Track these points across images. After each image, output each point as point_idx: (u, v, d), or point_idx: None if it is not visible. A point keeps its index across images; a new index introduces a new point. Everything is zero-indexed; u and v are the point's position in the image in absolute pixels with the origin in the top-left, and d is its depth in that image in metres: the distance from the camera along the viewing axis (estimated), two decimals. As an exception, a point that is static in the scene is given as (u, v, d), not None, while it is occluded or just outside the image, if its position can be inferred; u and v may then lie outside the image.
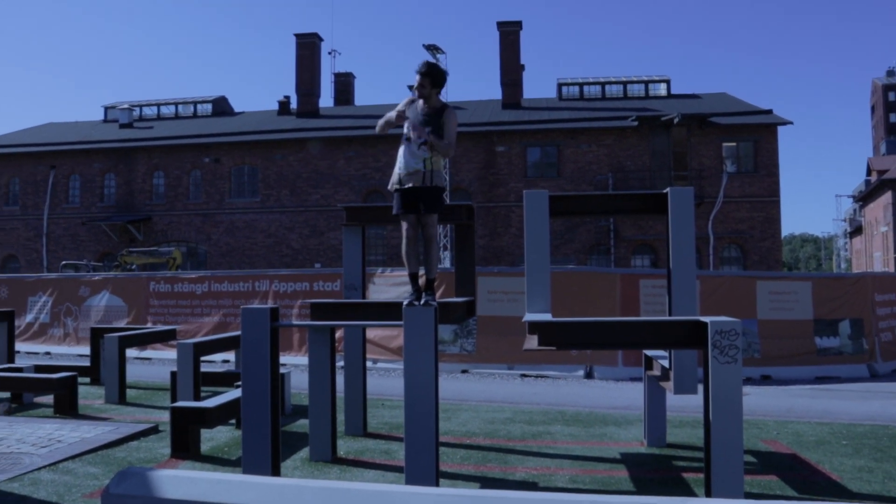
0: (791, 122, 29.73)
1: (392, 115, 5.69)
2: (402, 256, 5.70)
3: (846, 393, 11.27)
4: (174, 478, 2.67)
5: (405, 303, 5.14)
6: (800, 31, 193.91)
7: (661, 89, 36.39)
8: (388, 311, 6.20)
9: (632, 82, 36.44)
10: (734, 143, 30.05)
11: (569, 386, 12.01)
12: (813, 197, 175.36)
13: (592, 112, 32.83)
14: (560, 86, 36.93)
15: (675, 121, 29.23)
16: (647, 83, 36.50)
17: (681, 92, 37.16)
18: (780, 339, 13.21)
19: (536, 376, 12.94)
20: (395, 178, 5.55)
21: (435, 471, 4.84)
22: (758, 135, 29.83)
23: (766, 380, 12.74)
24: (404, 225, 5.54)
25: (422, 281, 5.56)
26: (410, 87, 5.67)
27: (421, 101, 5.53)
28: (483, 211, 30.51)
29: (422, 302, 5.20)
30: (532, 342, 5.02)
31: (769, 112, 30.95)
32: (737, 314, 12.97)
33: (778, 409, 9.64)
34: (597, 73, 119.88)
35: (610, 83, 36.40)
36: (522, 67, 36.64)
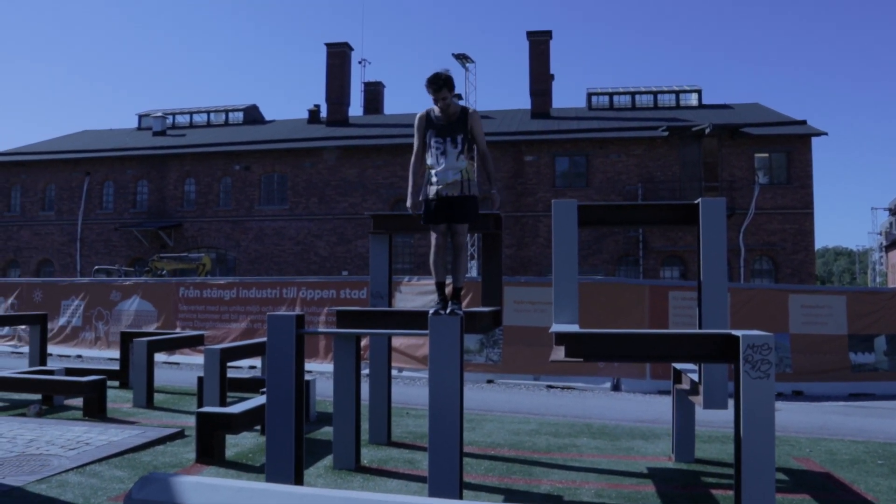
0: (825, 133, 29.26)
1: (418, 149, 5.55)
2: (429, 265, 5.67)
3: (882, 410, 11.00)
4: (196, 484, 2.66)
5: (431, 312, 5.11)
6: (835, 40, 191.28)
7: (693, 99, 36.05)
8: (413, 320, 6.17)
9: (662, 92, 36.15)
10: (766, 154, 29.62)
11: (595, 398, 11.88)
12: (847, 209, 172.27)
13: (622, 122, 32.62)
14: (589, 95, 36.77)
15: (707, 131, 28.91)
16: (678, 93, 36.18)
17: (712, 102, 36.79)
18: (812, 353, 12.96)
19: (563, 388, 12.83)
20: (431, 187, 5.43)
21: (458, 482, 4.78)
22: (791, 146, 29.38)
23: (797, 395, 12.50)
24: (434, 234, 5.50)
25: (449, 290, 5.52)
26: (433, 108, 5.54)
27: (437, 109, 5.46)
28: (511, 221, 30.41)
29: (448, 311, 5.16)
30: (559, 353, 4.96)
31: (803, 123, 30.48)
32: (768, 328, 12.81)
33: (810, 425, 9.43)
34: (627, 82, 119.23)
35: (640, 93, 36.15)
36: (552, 77, 36.54)
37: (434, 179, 5.42)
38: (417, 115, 5.57)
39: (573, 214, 5.97)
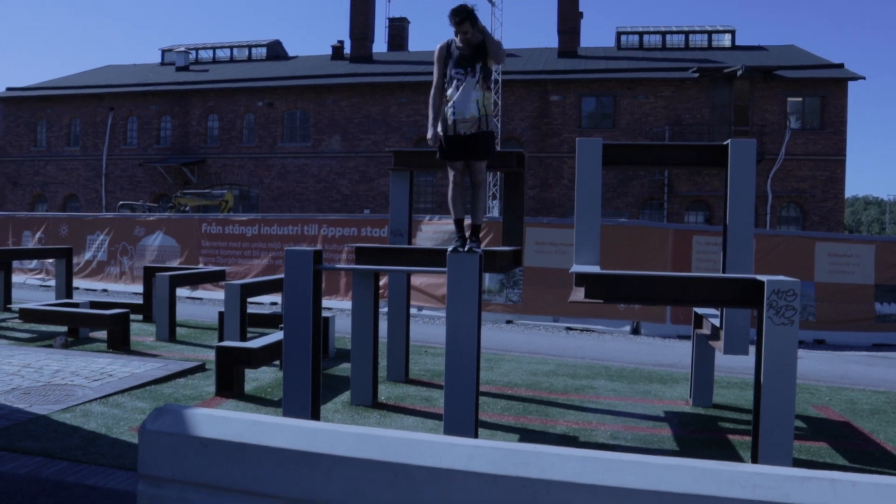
0: (863, 78, 28.26)
1: (438, 79, 5.38)
2: (447, 202, 5.58)
3: (905, 361, 10.88)
4: (209, 417, 2.65)
5: (449, 249, 5.04)
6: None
7: (726, 40, 34.94)
8: (432, 258, 6.12)
9: (694, 32, 35.04)
10: (800, 99, 28.76)
11: (614, 341, 11.87)
12: (880, 158, 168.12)
13: (651, 63, 31.74)
14: (619, 35, 35.77)
15: (738, 73, 28.08)
16: (710, 33, 35.06)
17: (746, 43, 35.63)
18: (837, 303, 12.80)
19: (582, 330, 12.82)
20: (448, 122, 5.30)
21: (474, 420, 4.79)
22: (826, 90, 28.48)
23: (819, 344, 12.39)
24: (451, 171, 5.40)
25: (468, 227, 5.45)
26: (454, 39, 5.34)
27: (457, 40, 5.31)
28: (535, 161, 30.04)
29: (466, 248, 5.10)
30: (578, 294, 4.89)
31: (840, 66, 29.47)
32: (793, 275, 12.57)
33: (832, 374, 9.36)
34: (658, 22, 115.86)
35: (671, 32, 35.07)
36: (580, 15, 35.52)
37: (452, 111, 5.27)
38: (438, 46, 5.41)
39: (598, 153, 5.82)
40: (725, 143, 5.79)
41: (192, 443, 2.55)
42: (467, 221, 5.53)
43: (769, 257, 12.85)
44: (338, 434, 2.54)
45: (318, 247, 15.19)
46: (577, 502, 2.32)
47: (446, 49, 5.35)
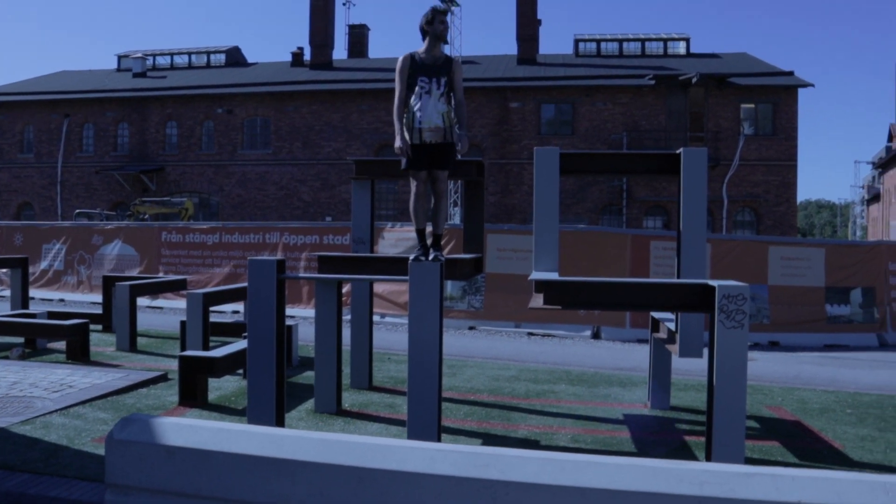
0: (812, 85, 29.17)
1: (402, 92, 5.48)
2: (409, 212, 5.67)
3: (854, 362, 11.24)
4: (176, 425, 2.70)
5: (412, 258, 5.13)
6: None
7: (681, 48, 35.70)
8: (395, 266, 6.19)
9: (650, 40, 35.74)
10: (753, 105, 29.55)
11: (575, 346, 12.05)
12: (831, 163, 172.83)
13: (609, 69, 32.29)
14: (577, 42, 36.30)
15: (693, 80, 28.72)
16: (665, 41, 35.79)
17: (701, 51, 36.45)
18: (790, 305, 13.16)
19: (543, 335, 12.99)
20: (413, 130, 5.35)
21: (437, 426, 4.88)
22: (777, 97, 29.31)
23: (774, 346, 12.73)
24: (414, 181, 5.49)
25: (430, 237, 5.54)
26: (425, 31, 5.49)
27: (424, 51, 5.44)
28: (495, 168, 30.31)
29: (430, 258, 5.19)
30: (538, 301, 5.01)
31: (790, 74, 30.35)
32: (748, 279, 12.96)
33: (785, 375, 9.64)
34: (615, 29, 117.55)
35: (628, 40, 35.72)
36: (539, 22, 35.98)
37: (418, 119, 5.35)
38: (401, 58, 5.49)
39: (555, 162, 5.96)
40: (678, 151, 5.98)
41: (159, 451, 2.60)
42: (429, 230, 5.63)
43: (725, 261, 13.17)
44: (303, 440, 2.60)
45: (280, 255, 15.15)
46: (535, 502, 2.42)
47: (409, 61, 5.44)
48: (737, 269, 13.09)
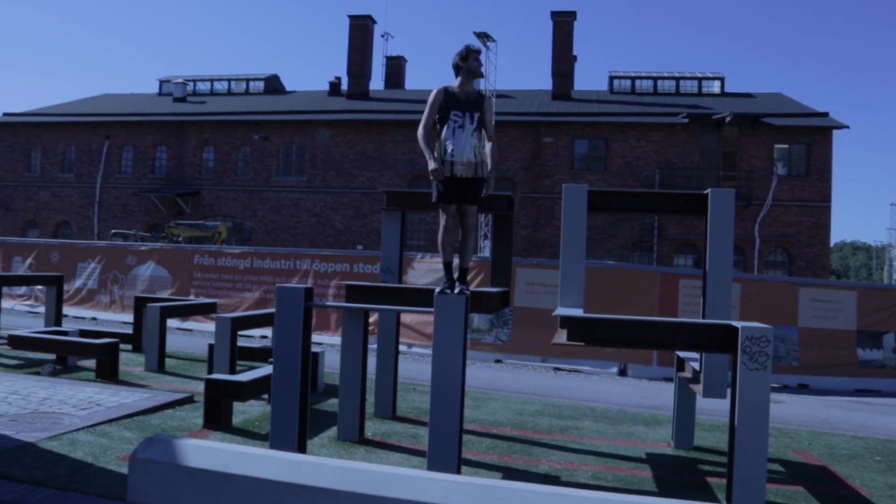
0: (847, 127, 28.89)
1: (429, 120, 5.59)
2: (437, 245, 5.74)
3: (886, 407, 11.01)
4: (199, 447, 2.77)
5: (437, 290, 5.19)
6: (861, 34, 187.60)
7: (715, 87, 35.68)
8: (421, 297, 6.25)
9: (685, 78, 35.79)
10: (787, 146, 29.34)
11: (601, 382, 11.97)
12: (867, 204, 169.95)
13: (643, 107, 32.37)
14: (612, 79, 36.48)
15: (727, 120, 28.64)
16: (700, 80, 35.82)
17: (735, 90, 36.39)
18: (820, 347, 12.96)
19: (570, 370, 12.92)
20: (445, 163, 5.43)
21: (457, 457, 4.89)
22: (812, 138, 29.08)
23: (803, 388, 12.52)
24: (443, 214, 5.57)
25: (456, 270, 5.60)
26: (459, 68, 5.62)
27: (458, 86, 5.55)
28: (527, 202, 30.39)
29: (455, 291, 5.24)
30: (561, 336, 5.03)
31: (825, 115, 30.13)
32: (777, 320, 12.85)
33: (813, 419, 9.47)
34: (650, 67, 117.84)
35: (662, 78, 35.81)
36: (574, 58, 36.25)
37: (450, 152, 5.44)
38: (435, 90, 5.60)
39: (583, 199, 6.01)
40: (706, 192, 6.00)
41: (181, 472, 2.66)
42: (456, 263, 5.69)
43: (754, 302, 13.04)
44: (321, 467, 2.65)
45: (311, 281, 15.31)
46: (547, 537, 2.44)
47: (444, 94, 5.54)
48: (766, 310, 12.94)
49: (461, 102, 5.47)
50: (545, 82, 56.59)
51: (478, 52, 5.57)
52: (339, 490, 2.56)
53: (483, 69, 5.64)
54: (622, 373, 12.85)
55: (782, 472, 6.41)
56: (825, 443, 7.74)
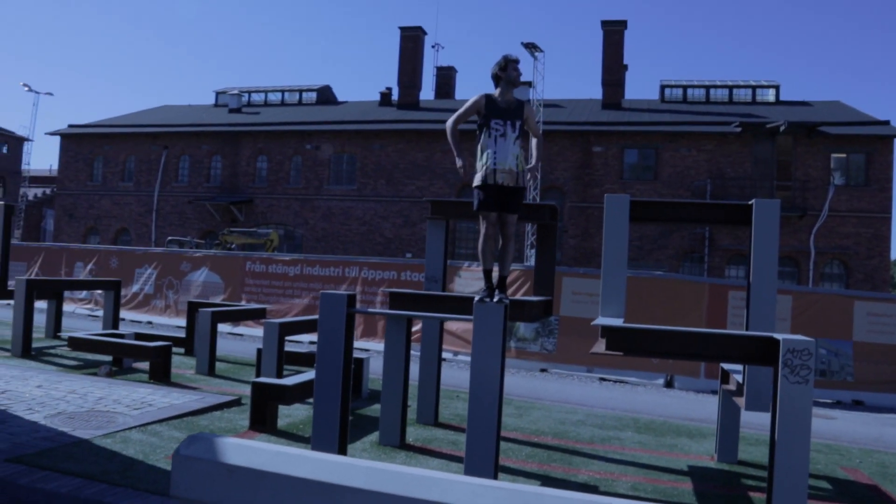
0: (910, 134, 27.99)
1: (461, 116, 5.73)
2: (478, 253, 5.82)
3: (945, 426, 10.63)
4: (237, 445, 2.89)
5: (476, 299, 5.25)
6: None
7: (770, 95, 34.94)
8: (463, 305, 6.32)
9: (738, 87, 35.14)
10: (844, 155, 28.53)
11: (647, 393, 11.84)
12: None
13: (695, 116, 31.89)
14: (663, 87, 36.05)
15: (781, 128, 28.01)
16: (754, 88, 35.12)
17: (791, 99, 35.57)
18: (876, 363, 12.59)
19: (615, 381, 12.81)
20: (487, 170, 5.50)
21: (494, 463, 4.94)
22: (871, 146, 28.22)
23: (857, 405, 12.18)
24: (484, 222, 5.63)
25: (496, 278, 5.65)
26: (499, 77, 5.73)
27: (499, 94, 5.62)
28: (576, 211, 30.22)
29: (494, 299, 5.30)
30: (600, 346, 5.04)
31: (886, 123, 29.21)
32: (831, 334, 12.55)
33: (866, 436, 9.22)
34: (702, 76, 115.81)
35: (715, 87, 35.22)
36: (625, 68, 35.95)
37: (493, 160, 5.49)
38: (477, 95, 5.69)
39: (625, 209, 6.01)
40: (750, 202, 5.94)
41: (220, 469, 2.78)
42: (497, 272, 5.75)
43: (806, 314, 12.75)
44: (352, 467, 2.74)
45: (359, 289, 15.52)
46: (571, 541, 2.47)
47: (485, 100, 5.63)
48: (818, 323, 12.64)
49: (502, 111, 5.54)
50: (595, 91, 56.31)
51: (516, 61, 5.64)
52: (368, 490, 2.64)
53: (522, 78, 5.70)
54: (668, 384, 12.69)
55: (829, 490, 6.28)
56: (877, 461, 7.54)
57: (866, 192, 27.99)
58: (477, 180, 5.58)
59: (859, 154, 28.32)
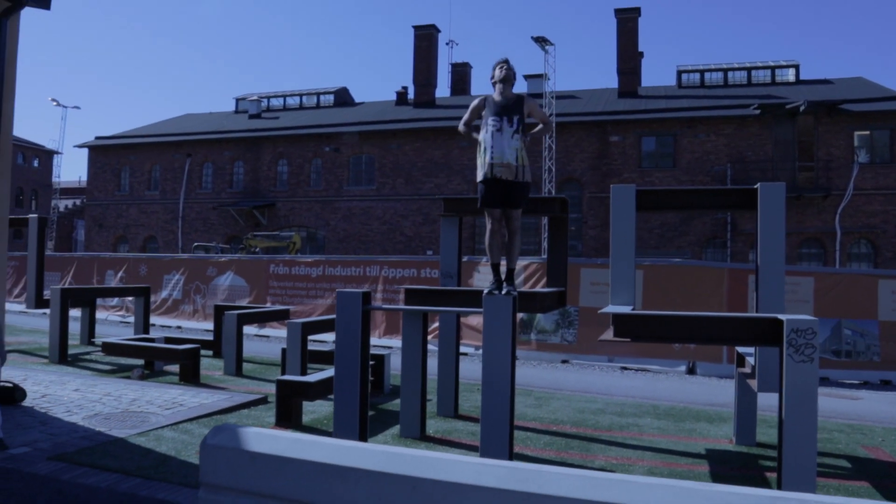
0: (935, 109, 27.57)
1: (467, 118, 6.04)
2: (485, 247, 5.99)
3: (971, 404, 10.58)
4: (259, 434, 3.10)
5: (485, 292, 5.42)
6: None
7: (790, 75, 34.58)
8: (476, 299, 6.49)
9: (757, 68, 34.81)
10: (868, 132, 28.17)
11: (669, 381, 11.90)
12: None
13: (713, 100, 31.68)
14: (680, 73, 35.84)
15: (801, 108, 27.74)
16: (773, 68, 34.77)
17: (811, 77, 35.18)
18: (904, 342, 12.53)
19: (637, 370, 12.88)
20: (486, 165, 5.69)
21: (508, 450, 5.11)
22: (895, 122, 27.85)
23: (885, 385, 12.14)
24: (489, 218, 5.81)
25: (504, 271, 5.82)
26: (490, 95, 6.04)
27: (497, 94, 5.82)
28: (595, 202, 30.20)
29: (504, 291, 5.46)
30: (609, 333, 5.19)
31: (910, 98, 28.83)
32: (856, 314, 12.53)
33: (891, 416, 9.22)
34: (720, 59, 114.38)
35: (733, 69, 34.93)
36: (641, 55, 35.80)
37: (490, 155, 5.69)
38: (476, 98, 5.98)
39: (631, 199, 6.13)
40: (755, 186, 6.03)
41: (244, 456, 3.00)
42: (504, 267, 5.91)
43: (830, 296, 12.73)
44: (366, 451, 2.94)
45: (380, 287, 15.75)
46: (568, 513, 2.64)
47: (482, 101, 5.88)
48: (843, 304, 12.62)
49: (499, 108, 5.74)
50: (610, 80, 56.05)
51: (500, 62, 5.91)
52: (381, 472, 2.84)
53: (507, 73, 5.93)
54: (690, 371, 12.75)
55: (848, 468, 6.34)
56: (900, 439, 7.56)
57: (892, 168, 27.63)
58: (479, 176, 5.80)
59: (883, 130, 27.95)
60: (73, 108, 67.16)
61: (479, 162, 5.76)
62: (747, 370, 6.73)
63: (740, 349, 7.10)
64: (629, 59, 34.89)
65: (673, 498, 2.61)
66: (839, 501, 2.56)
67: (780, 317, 4.71)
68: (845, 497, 2.66)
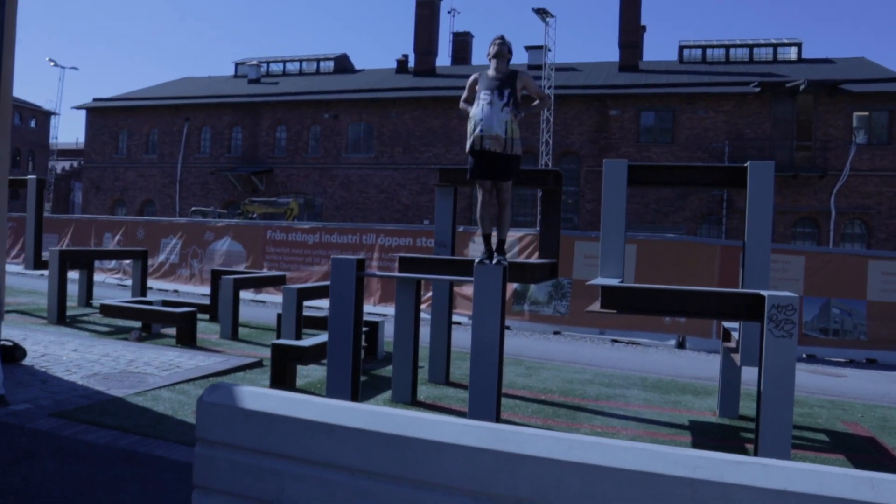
0: (935, 92, 27.56)
1: (465, 95, 6.17)
2: (476, 218, 6.11)
3: (953, 383, 10.79)
4: (252, 392, 3.23)
5: (476, 261, 5.54)
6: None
7: (791, 53, 34.43)
8: (468, 269, 6.61)
9: (759, 45, 34.64)
10: (867, 113, 28.17)
11: (658, 354, 12.09)
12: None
13: (713, 77, 31.58)
14: (681, 48, 35.66)
15: (801, 87, 27.70)
16: (775, 46, 34.61)
17: (814, 56, 35.05)
18: (890, 322, 12.72)
19: (627, 342, 13.08)
20: (475, 136, 5.82)
21: (495, 414, 5.27)
22: (895, 104, 27.85)
23: (871, 363, 12.35)
24: (480, 189, 5.92)
25: (495, 242, 5.94)
26: (485, 72, 6.15)
27: (492, 70, 5.91)
28: (593, 175, 30.22)
29: (493, 261, 5.59)
30: (596, 304, 5.32)
31: (910, 79, 28.79)
32: (845, 293, 12.70)
33: (873, 393, 9.42)
34: (723, 35, 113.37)
35: (735, 46, 34.76)
36: (643, 29, 35.58)
37: (479, 128, 5.81)
38: (473, 75, 6.07)
39: (623, 174, 6.23)
40: (745, 164, 6.13)
41: (238, 413, 3.13)
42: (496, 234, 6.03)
43: (820, 275, 12.89)
44: (353, 410, 3.07)
45: (375, 255, 15.87)
46: (543, 473, 2.79)
47: (475, 78, 5.98)
48: (832, 283, 12.79)
49: (490, 83, 5.85)
50: (612, 54, 55.70)
51: (496, 39, 6.03)
52: (366, 430, 2.97)
53: (500, 48, 6.04)
54: (680, 345, 12.94)
55: (826, 442, 6.52)
56: (879, 415, 7.74)
57: (889, 150, 27.69)
58: (467, 147, 5.91)
59: (882, 112, 27.96)
60: (70, 69, 66.64)
61: (469, 133, 5.89)
62: (732, 345, 6.89)
63: (727, 324, 7.25)
64: (631, 32, 34.68)
65: (644, 460, 2.75)
66: (801, 466, 2.71)
67: (762, 292, 4.84)
68: (813, 464, 2.81)
